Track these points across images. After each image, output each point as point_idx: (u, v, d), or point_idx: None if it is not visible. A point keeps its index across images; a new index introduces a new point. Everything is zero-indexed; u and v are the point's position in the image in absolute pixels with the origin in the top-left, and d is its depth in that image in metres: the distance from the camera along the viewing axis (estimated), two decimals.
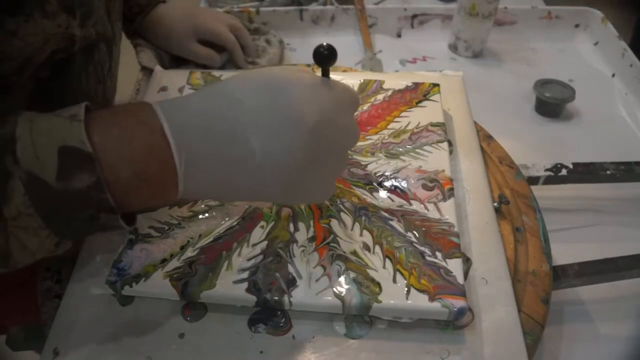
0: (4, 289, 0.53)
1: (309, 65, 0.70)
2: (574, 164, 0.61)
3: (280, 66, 0.51)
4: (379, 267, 0.40)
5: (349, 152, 0.50)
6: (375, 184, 0.47)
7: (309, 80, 0.33)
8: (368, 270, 0.40)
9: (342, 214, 0.44)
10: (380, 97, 0.56)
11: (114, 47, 0.52)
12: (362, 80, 0.58)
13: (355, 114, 0.54)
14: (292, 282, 0.40)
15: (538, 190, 0.55)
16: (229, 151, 0.31)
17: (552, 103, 0.75)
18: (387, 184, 0.47)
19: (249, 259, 0.41)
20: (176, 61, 0.70)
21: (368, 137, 0.52)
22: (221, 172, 0.32)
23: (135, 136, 0.30)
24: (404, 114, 0.54)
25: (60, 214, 0.30)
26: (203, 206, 0.45)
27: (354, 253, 0.41)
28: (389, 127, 0.53)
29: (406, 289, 0.39)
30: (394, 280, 0.40)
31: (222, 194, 0.36)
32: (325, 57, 0.34)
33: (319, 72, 0.35)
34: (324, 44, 0.34)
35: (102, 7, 0.47)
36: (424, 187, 0.47)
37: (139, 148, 0.30)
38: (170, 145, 0.30)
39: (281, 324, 0.40)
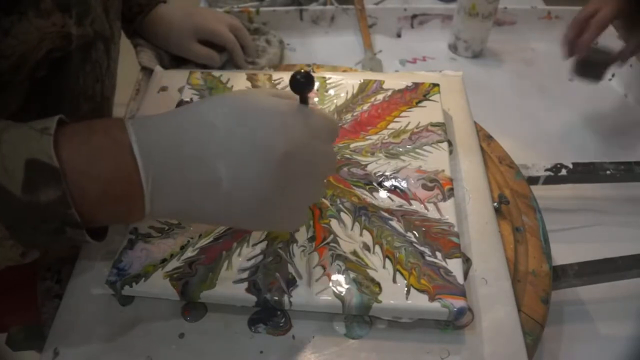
0: (4, 289, 0.53)
1: (308, 66, 0.70)
2: (574, 163, 0.61)
3: (259, 89, 0.51)
4: (379, 267, 0.40)
5: (350, 152, 0.50)
6: (375, 184, 0.47)
7: (284, 108, 0.32)
8: (368, 270, 0.40)
9: (342, 214, 0.44)
10: (380, 97, 0.56)
11: (113, 46, 0.52)
12: (362, 80, 0.58)
13: (355, 113, 0.54)
14: (292, 282, 0.40)
15: (538, 190, 0.55)
16: (196, 176, 0.31)
17: (595, 62, 0.69)
18: (387, 184, 0.47)
19: (249, 259, 0.41)
20: (176, 61, 0.69)
21: (368, 137, 0.52)
22: (187, 196, 0.31)
23: (104, 154, 0.30)
24: (404, 114, 0.54)
25: (25, 225, 0.29)
26: None
27: (354, 253, 0.41)
28: (389, 127, 0.52)
29: (406, 289, 0.39)
30: (394, 280, 0.40)
31: (190, 217, 0.36)
32: (302, 84, 0.33)
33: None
34: (302, 70, 0.33)
35: (100, 5, 0.47)
36: (424, 187, 0.47)
37: (107, 166, 0.30)
38: (138, 165, 0.30)
39: (281, 324, 0.40)
